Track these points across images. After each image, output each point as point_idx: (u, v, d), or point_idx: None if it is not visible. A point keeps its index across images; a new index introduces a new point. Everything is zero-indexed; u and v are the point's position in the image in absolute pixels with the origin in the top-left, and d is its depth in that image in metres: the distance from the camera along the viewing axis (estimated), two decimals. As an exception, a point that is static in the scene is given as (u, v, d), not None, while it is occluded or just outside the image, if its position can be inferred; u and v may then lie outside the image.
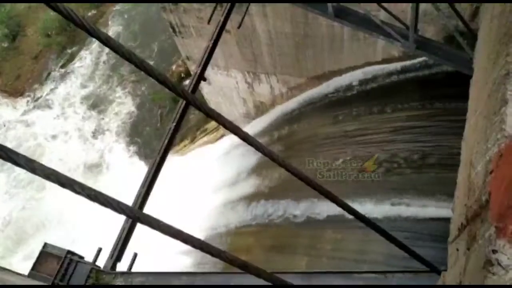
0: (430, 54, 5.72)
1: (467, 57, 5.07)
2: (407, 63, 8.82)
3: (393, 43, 5.83)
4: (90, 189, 1.21)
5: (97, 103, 19.50)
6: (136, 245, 4.65)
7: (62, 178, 1.16)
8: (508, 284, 1.08)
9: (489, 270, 1.11)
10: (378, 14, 6.32)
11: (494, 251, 1.12)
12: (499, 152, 1.24)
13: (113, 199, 1.27)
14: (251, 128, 12.66)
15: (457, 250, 1.66)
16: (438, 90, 8.58)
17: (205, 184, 13.30)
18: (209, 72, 11.39)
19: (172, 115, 5.67)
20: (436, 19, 7.56)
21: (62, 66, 20.74)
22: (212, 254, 1.49)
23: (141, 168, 15.65)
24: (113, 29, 20.82)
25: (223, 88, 12.85)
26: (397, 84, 9.18)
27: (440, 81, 8.39)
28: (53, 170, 1.14)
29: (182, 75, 17.01)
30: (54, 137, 19.13)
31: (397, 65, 9.01)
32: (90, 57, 20.63)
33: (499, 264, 1.10)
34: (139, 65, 1.46)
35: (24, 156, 1.10)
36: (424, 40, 5.79)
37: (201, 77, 5.92)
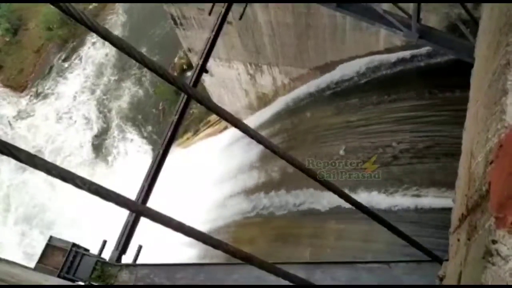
0: (433, 43, 5.68)
1: (470, 45, 5.03)
2: (410, 52, 8.77)
3: (396, 32, 5.79)
4: (91, 183, 1.22)
5: (99, 96, 19.51)
6: (141, 237, 4.68)
7: (63, 172, 1.16)
8: (507, 273, 1.08)
9: (489, 260, 1.12)
10: (380, 3, 6.27)
11: (494, 242, 1.13)
12: (499, 142, 1.24)
13: (115, 193, 1.27)
14: (254, 119, 12.65)
15: (458, 240, 1.67)
16: (441, 79, 8.53)
17: (208, 176, 13.33)
18: (211, 64, 11.36)
19: (174, 108, 5.67)
20: (438, 7, 7.50)
21: (64, 60, 20.74)
22: (214, 246, 1.50)
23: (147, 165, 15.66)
24: (115, 21, 20.76)
25: (225, 80, 12.82)
26: (400, 74, 9.13)
27: (443, 70, 8.34)
28: (55, 165, 1.15)
29: (184, 67, 16.97)
30: (58, 132, 19.19)
31: (400, 55, 8.95)
32: (92, 50, 20.60)
33: (498, 254, 1.10)
34: (139, 59, 1.46)
35: (25, 151, 1.11)
36: (427, 29, 5.74)
37: (203, 69, 5.90)
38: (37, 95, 20.28)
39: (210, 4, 7.45)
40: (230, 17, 7.57)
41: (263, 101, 12.85)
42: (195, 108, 15.82)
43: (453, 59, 7.05)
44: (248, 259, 1.59)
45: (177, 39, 12.65)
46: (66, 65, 20.61)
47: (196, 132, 15.97)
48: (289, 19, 9.64)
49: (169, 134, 5.34)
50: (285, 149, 1.91)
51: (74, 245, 4.38)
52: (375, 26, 6.03)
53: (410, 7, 5.56)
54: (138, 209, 1.39)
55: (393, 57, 9.10)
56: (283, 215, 10.47)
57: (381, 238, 7.60)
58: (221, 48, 11.19)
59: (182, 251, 11.46)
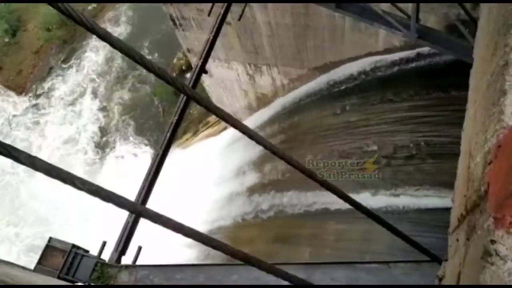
0: (432, 43, 5.69)
1: (468, 46, 5.04)
2: (409, 52, 8.78)
3: (395, 33, 5.80)
4: (91, 184, 1.22)
5: (99, 97, 19.49)
6: (141, 238, 4.67)
7: (63, 173, 1.17)
8: (506, 273, 1.08)
9: (488, 260, 1.12)
10: (379, 3, 6.28)
11: (493, 242, 1.13)
12: (497, 143, 1.24)
13: (115, 194, 1.27)
14: (253, 120, 12.65)
15: (457, 240, 1.67)
16: (440, 79, 8.54)
17: (208, 177, 13.33)
18: (210, 65, 11.35)
19: (174, 109, 5.66)
20: (437, 7, 7.51)
21: (64, 61, 20.70)
22: (214, 247, 1.50)
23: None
24: (114, 22, 20.73)
25: (224, 81, 12.82)
26: (399, 74, 9.14)
27: (442, 71, 8.35)
28: (54, 166, 1.15)
29: (183, 67, 16.97)
30: (59, 135, 19.15)
31: (399, 55, 8.96)
32: (91, 51, 20.58)
33: (497, 254, 1.11)
34: (139, 60, 1.46)
35: (24, 153, 1.11)
36: (426, 29, 5.76)
37: (202, 70, 5.90)
38: (36, 96, 20.25)
39: (209, 5, 7.46)
40: (229, 18, 7.57)
41: (262, 101, 12.86)
42: (195, 109, 15.82)
43: (453, 59, 7.06)
44: (247, 260, 1.60)
45: (176, 40, 12.65)
46: (65, 66, 20.58)
47: (195, 133, 15.97)
48: (288, 19, 9.64)
49: (168, 135, 5.34)
50: (284, 150, 1.92)
51: (73, 246, 4.38)
52: (374, 26, 6.04)
53: (409, 7, 5.57)
54: (138, 210, 1.39)
55: (392, 57, 9.11)
56: (282, 216, 10.47)
57: (381, 239, 7.61)
58: (220, 48, 11.20)
59: (181, 252, 11.46)
